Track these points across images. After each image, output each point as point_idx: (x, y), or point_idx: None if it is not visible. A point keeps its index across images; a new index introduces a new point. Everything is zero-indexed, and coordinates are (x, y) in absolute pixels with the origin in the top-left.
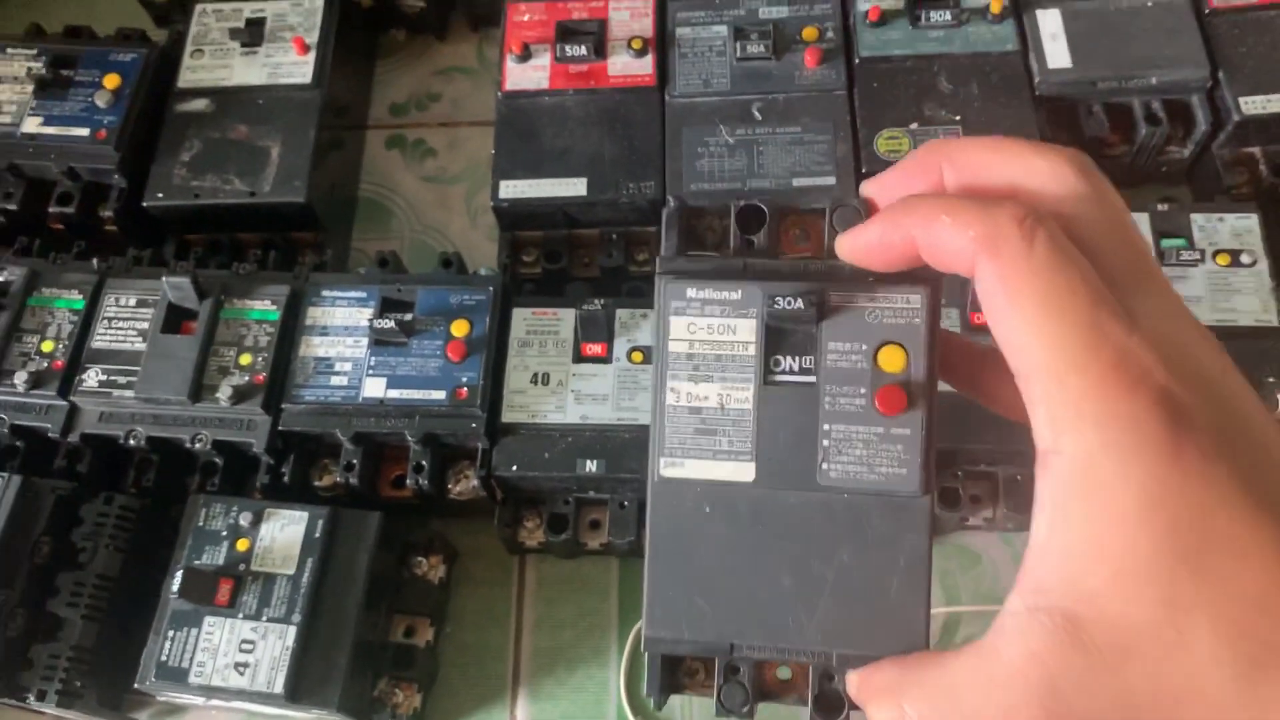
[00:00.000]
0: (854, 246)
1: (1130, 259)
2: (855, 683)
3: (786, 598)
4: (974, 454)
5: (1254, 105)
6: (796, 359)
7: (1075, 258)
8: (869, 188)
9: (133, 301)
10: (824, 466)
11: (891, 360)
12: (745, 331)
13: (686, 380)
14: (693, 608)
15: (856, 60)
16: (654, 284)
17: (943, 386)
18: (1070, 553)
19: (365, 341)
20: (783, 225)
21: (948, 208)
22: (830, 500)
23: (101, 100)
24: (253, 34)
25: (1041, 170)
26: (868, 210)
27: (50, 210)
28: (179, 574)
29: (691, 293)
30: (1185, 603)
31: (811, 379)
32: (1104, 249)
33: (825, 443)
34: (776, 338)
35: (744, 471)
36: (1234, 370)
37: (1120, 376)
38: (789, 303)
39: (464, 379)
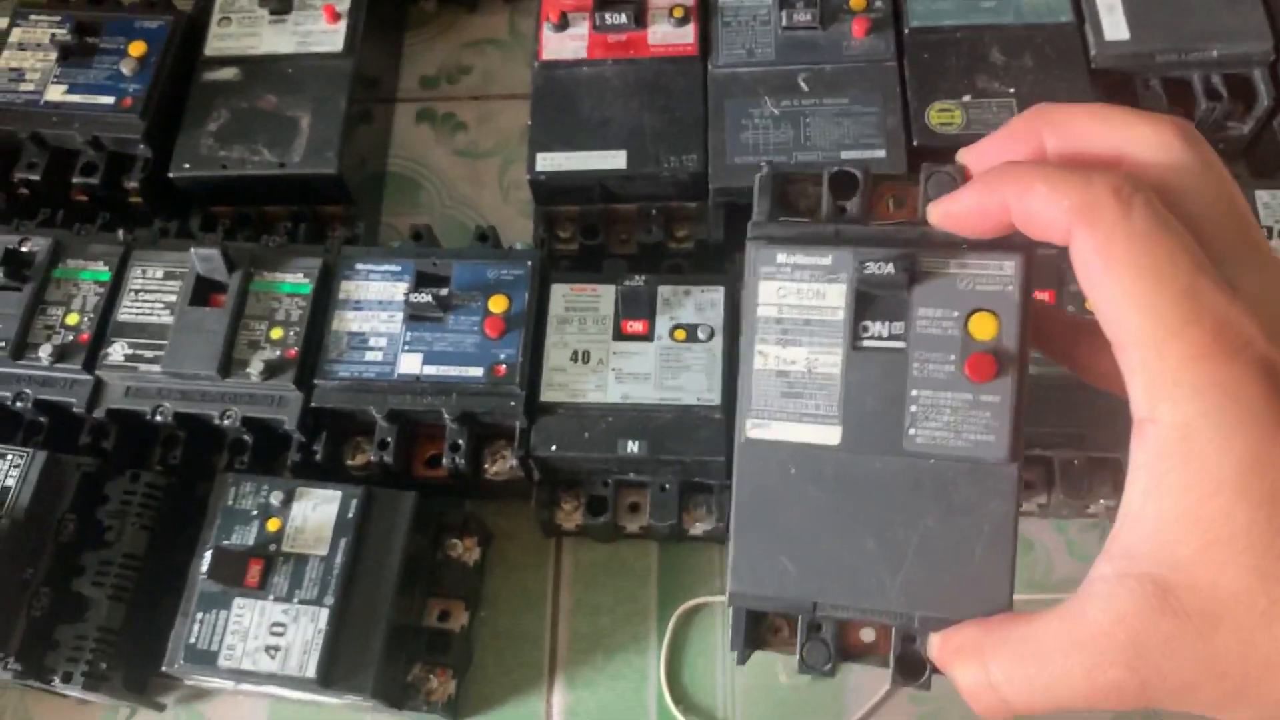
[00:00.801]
0: (948, 213)
1: (1235, 230)
2: (937, 644)
3: (870, 559)
4: (1029, 438)
5: None
6: (886, 324)
7: (1174, 227)
8: (966, 155)
9: (160, 273)
10: (910, 432)
11: (983, 327)
12: (834, 296)
13: (775, 344)
14: (777, 565)
15: (906, 30)
16: (744, 250)
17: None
18: (1164, 520)
19: (400, 316)
20: (875, 192)
21: (1044, 176)
22: (916, 466)
23: (127, 68)
24: (282, 1)
25: (1147, 138)
26: (963, 177)
27: (74, 180)
28: (208, 554)
29: (782, 258)
30: (1278, 572)
31: (900, 344)
32: (1208, 219)
33: (913, 408)
34: (866, 303)
35: (830, 435)
36: None
37: (1220, 345)
38: (880, 267)
39: (502, 356)
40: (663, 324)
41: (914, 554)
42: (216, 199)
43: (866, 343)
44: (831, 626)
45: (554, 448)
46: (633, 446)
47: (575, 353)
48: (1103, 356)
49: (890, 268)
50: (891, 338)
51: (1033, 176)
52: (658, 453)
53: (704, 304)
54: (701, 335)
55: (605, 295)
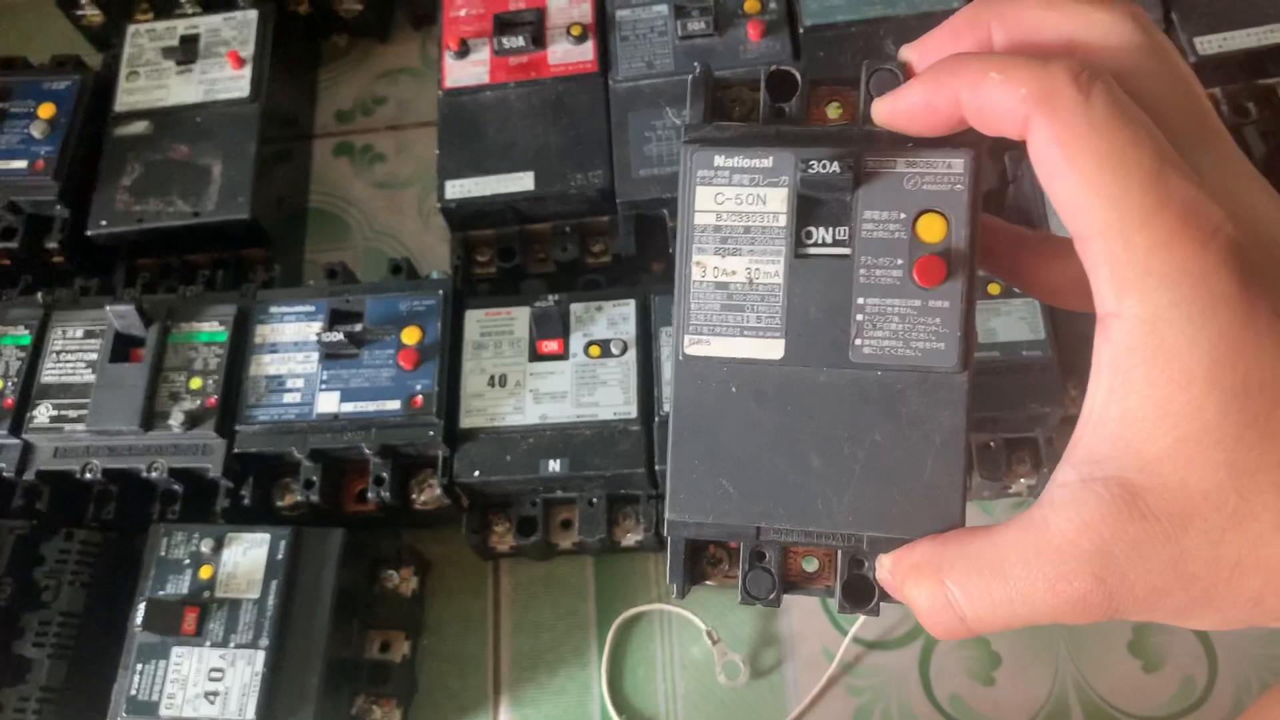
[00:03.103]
0: (894, 110)
1: (1193, 116)
2: (888, 565)
3: (815, 479)
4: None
5: (1210, 44)
6: (830, 230)
7: (1136, 112)
8: (909, 51)
9: (80, 333)
10: (857, 342)
11: (931, 229)
12: (776, 201)
13: (713, 254)
14: (718, 489)
15: (801, 30)
16: (679, 156)
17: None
18: (1130, 419)
19: (316, 356)
20: (815, 95)
21: (998, 64)
22: (862, 378)
23: (37, 131)
24: (187, 51)
25: (1100, 23)
26: (906, 75)
27: None
28: (141, 606)
29: (719, 160)
30: (1251, 467)
31: (845, 251)
32: (1167, 105)
33: (859, 317)
34: (809, 207)
35: (772, 349)
36: None
37: (1190, 231)
38: (824, 166)
39: (418, 387)
40: (577, 342)
41: (861, 471)
42: (138, 252)
43: (810, 250)
44: (775, 554)
45: (477, 473)
46: (555, 466)
47: (492, 377)
48: (1048, 268)
49: (835, 166)
50: (836, 244)
51: (986, 66)
52: (580, 469)
53: (616, 319)
54: (615, 350)
55: (519, 317)
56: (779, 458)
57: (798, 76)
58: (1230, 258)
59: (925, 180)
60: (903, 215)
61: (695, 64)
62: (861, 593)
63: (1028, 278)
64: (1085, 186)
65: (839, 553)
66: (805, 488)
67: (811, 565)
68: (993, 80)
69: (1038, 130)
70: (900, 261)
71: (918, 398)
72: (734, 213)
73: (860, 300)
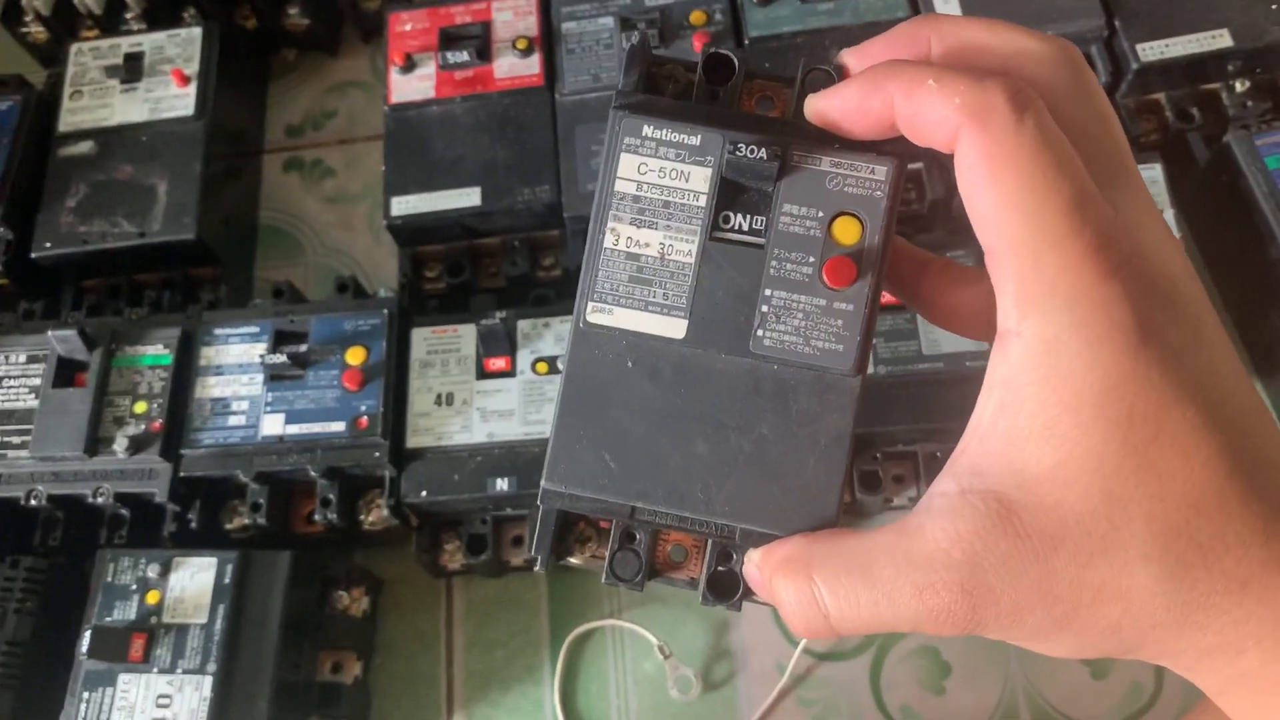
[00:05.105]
0: (828, 107)
1: (1113, 152)
2: (756, 560)
3: (698, 465)
4: (892, 435)
5: (1152, 51)
6: (747, 218)
7: (1063, 141)
8: (848, 55)
9: (23, 358)
10: (759, 333)
11: (846, 231)
12: (699, 180)
13: (629, 224)
14: (599, 463)
15: (746, 41)
16: (608, 120)
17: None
18: (1016, 436)
19: (261, 378)
20: (749, 88)
21: (935, 74)
22: (759, 369)
23: None
24: (131, 70)
25: (1035, 53)
26: (841, 77)
27: None
28: (87, 633)
29: (647, 130)
30: (1125, 497)
31: (760, 241)
32: (1089, 138)
33: (764, 308)
34: (730, 192)
35: (675, 327)
36: (1196, 278)
37: (1100, 259)
38: (751, 151)
39: (363, 408)
40: (524, 359)
41: (745, 462)
42: (84, 274)
43: (726, 234)
44: (646, 537)
45: (424, 493)
46: (502, 484)
47: (439, 396)
48: (948, 293)
49: (763, 153)
50: (751, 233)
51: (923, 73)
52: (528, 487)
53: (564, 335)
54: (562, 366)
55: (466, 335)
56: (665, 439)
57: (735, 61)
58: (1133, 290)
59: (847, 182)
60: (820, 214)
61: (634, 34)
62: (726, 586)
63: (928, 301)
64: (1006, 202)
65: (708, 543)
66: (686, 472)
67: (679, 556)
68: (929, 87)
69: (967, 142)
70: (812, 259)
71: (809, 396)
72: (655, 185)
73: (767, 292)
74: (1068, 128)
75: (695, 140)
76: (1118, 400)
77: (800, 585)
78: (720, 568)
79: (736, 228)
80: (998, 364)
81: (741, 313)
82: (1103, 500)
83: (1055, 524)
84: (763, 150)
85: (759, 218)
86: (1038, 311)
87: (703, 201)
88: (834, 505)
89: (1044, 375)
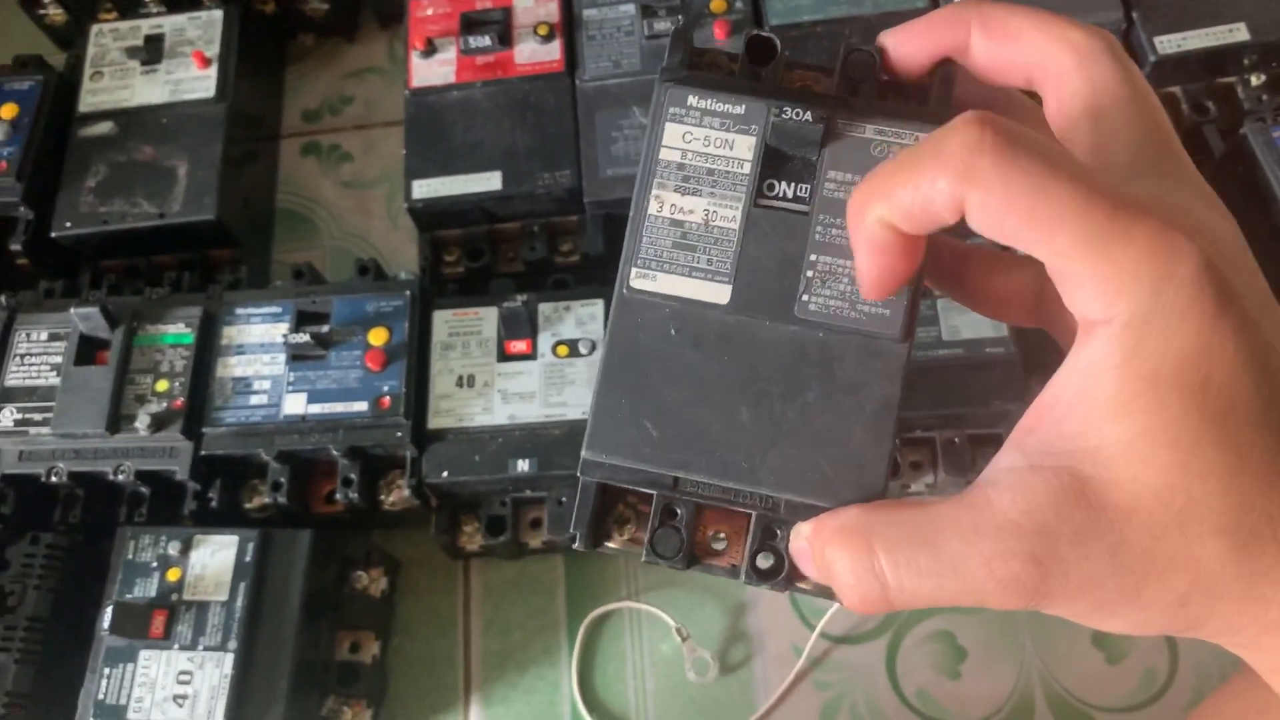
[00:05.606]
0: (896, 30)
1: (1160, 138)
2: (807, 532)
3: (742, 434)
4: (910, 421)
5: (1170, 44)
6: (791, 185)
7: (1054, 152)
8: (888, 37)
9: (44, 336)
10: (804, 298)
11: None
12: (743, 148)
13: (673, 191)
14: (640, 432)
15: (767, 29)
16: (654, 90)
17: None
18: (1095, 418)
19: (283, 358)
20: (788, 79)
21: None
22: (804, 336)
23: (0, 132)
24: (151, 51)
25: (1077, 44)
26: (881, 58)
27: None
28: (109, 609)
29: (693, 100)
30: (1202, 469)
31: (804, 208)
32: (1136, 126)
33: (809, 273)
34: (775, 160)
35: (719, 293)
36: (1249, 252)
37: (1167, 243)
38: (796, 114)
39: (385, 388)
40: (545, 341)
41: (790, 431)
42: (103, 254)
43: (770, 201)
44: (688, 514)
45: (445, 474)
46: (523, 465)
47: (460, 377)
48: (993, 281)
49: (808, 115)
50: (796, 200)
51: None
52: (548, 469)
53: (584, 318)
54: (583, 350)
55: (487, 318)
56: (708, 407)
57: (778, 44)
58: (1205, 266)
59: (892, 149)
60: None
61: (679, 18)
62: (772, 565)
63: (972, 290)
64: (1049, 231)
65: (752, 519)
66: (730, 442)
67: (720, 545)
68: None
69: (977, 206)
70: None
71: (856, 363)
72: (700, 153)
73: (812, 257)
74: (1111, 117)
75: (740, 109)
76: (1195, 373)
77: (858, 555)
78: (766, 545)
79: (781, 195)
80: (1082, 352)
81: (786, 278)
82: (1180, 473)
83: (1130, 497)
84: (808, 113)
85: (803, 185)
86: (1126, 296)
87: (747, 169)
88: (881, 476)
89: (1127, 357)
